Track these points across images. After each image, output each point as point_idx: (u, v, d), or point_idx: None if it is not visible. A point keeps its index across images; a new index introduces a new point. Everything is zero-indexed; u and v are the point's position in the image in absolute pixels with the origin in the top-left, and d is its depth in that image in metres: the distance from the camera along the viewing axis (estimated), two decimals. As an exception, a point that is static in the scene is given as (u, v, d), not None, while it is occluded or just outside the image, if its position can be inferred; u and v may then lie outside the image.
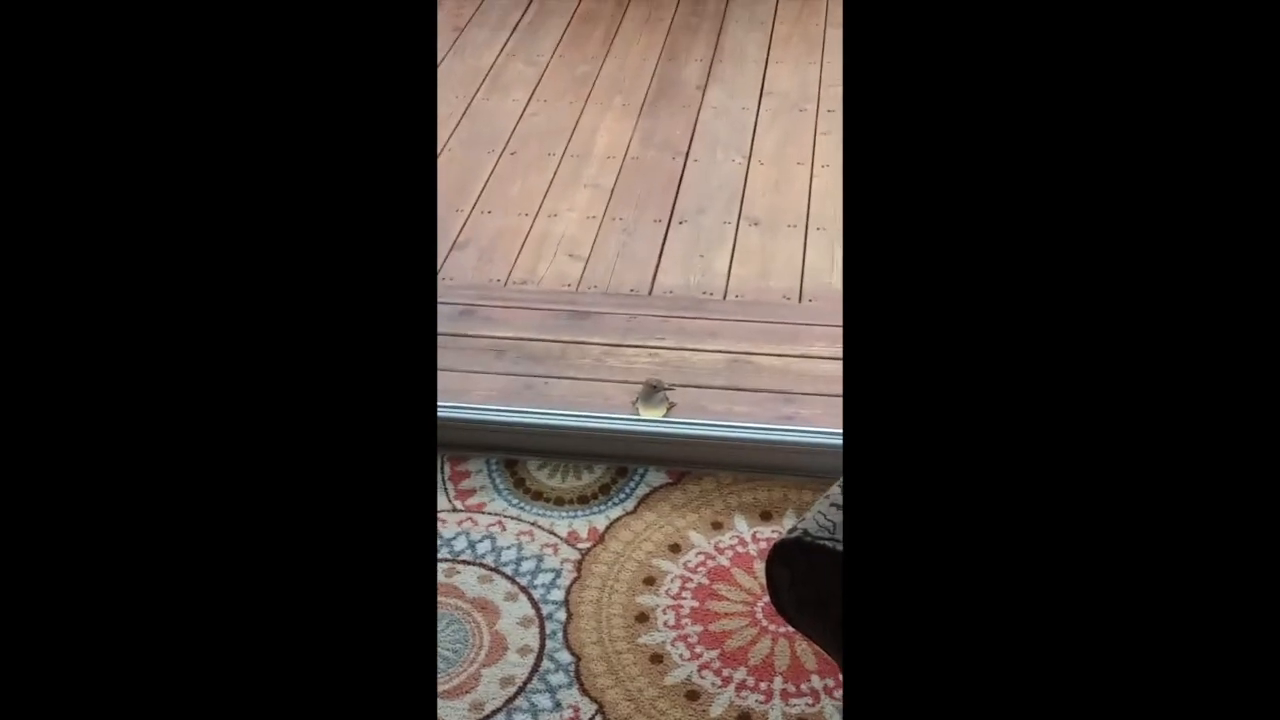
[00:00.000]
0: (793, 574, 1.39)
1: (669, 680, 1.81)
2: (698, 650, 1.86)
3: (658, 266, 2.87)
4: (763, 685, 1.80)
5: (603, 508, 2.11)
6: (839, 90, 3.56)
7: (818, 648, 1.81)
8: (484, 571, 2.00)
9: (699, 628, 1.89)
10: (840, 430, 2.19)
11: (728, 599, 1.94)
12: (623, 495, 2.13)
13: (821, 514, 1.37)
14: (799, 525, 1.38)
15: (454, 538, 2.05)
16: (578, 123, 3.46)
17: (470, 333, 2.60)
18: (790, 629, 1.83)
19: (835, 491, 1.41)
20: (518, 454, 2.21)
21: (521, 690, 1.80)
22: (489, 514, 2.10)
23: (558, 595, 1.95)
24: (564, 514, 2.10)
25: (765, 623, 1.89)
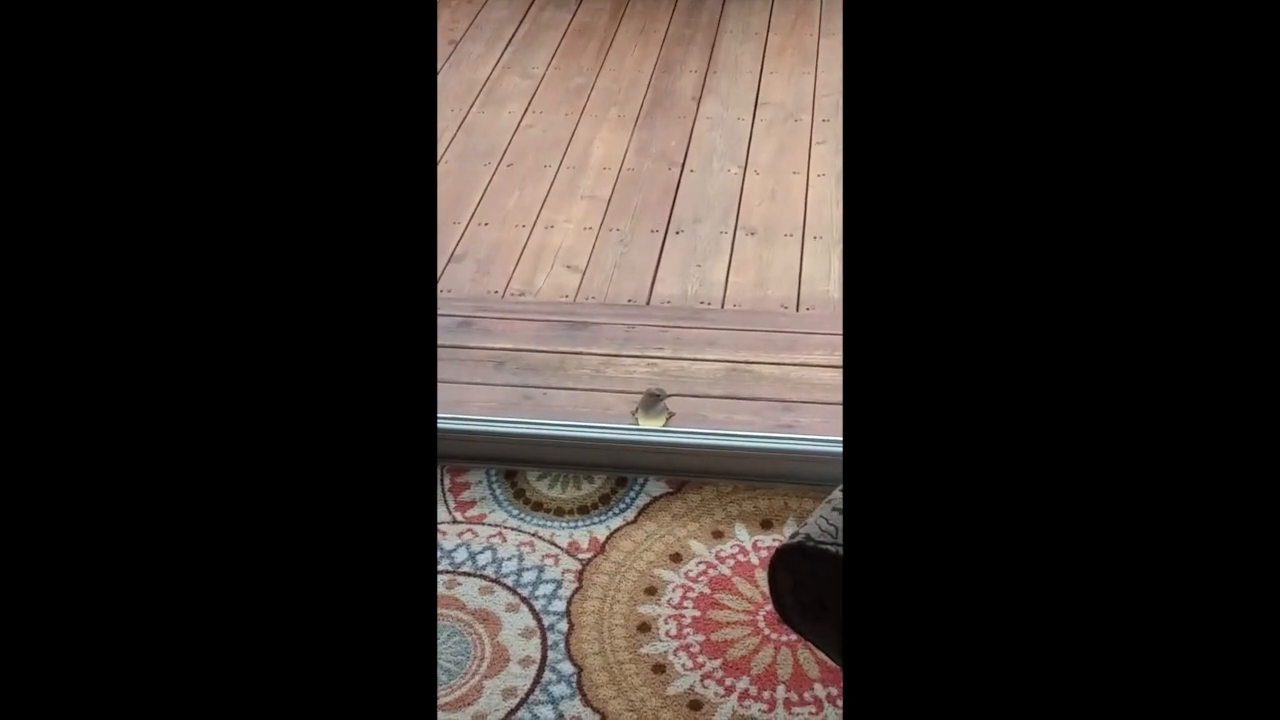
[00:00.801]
0: (795, 579, 1.39)
1: (671, 690, 1.81)
2: (700, 660, 1.85)
3: (655, 276, 2.87)
4: (765, 694, 1.80)
5: (603, 518, 2.11)
6: (833, 100, 3.57)
7: (821, 656, 1.80)
8: (485, 583, 1.99)
9: (701, 637, 1.89)
10: (840, 438, 2.19)
11: (730, 608, 1.94)
12: (623, 505, 2.13)
13: (824, 519, 1.37)
14: (801, 530, 1.38)
15: (454, 549, 2.05)
16: (573, 134, 3.46)
17: (469, 344, 2.60)
18: (793, 637, 1.83)
19: (837, 496, 1.41)
20: (517, 465, 2.21)
21: (524, 702, 1.80)
22: (489, 525, 2.10)
23: (559, 606, 1.94)
24: (564, 524, 2.10)
25: (768, 631, 1.89)
